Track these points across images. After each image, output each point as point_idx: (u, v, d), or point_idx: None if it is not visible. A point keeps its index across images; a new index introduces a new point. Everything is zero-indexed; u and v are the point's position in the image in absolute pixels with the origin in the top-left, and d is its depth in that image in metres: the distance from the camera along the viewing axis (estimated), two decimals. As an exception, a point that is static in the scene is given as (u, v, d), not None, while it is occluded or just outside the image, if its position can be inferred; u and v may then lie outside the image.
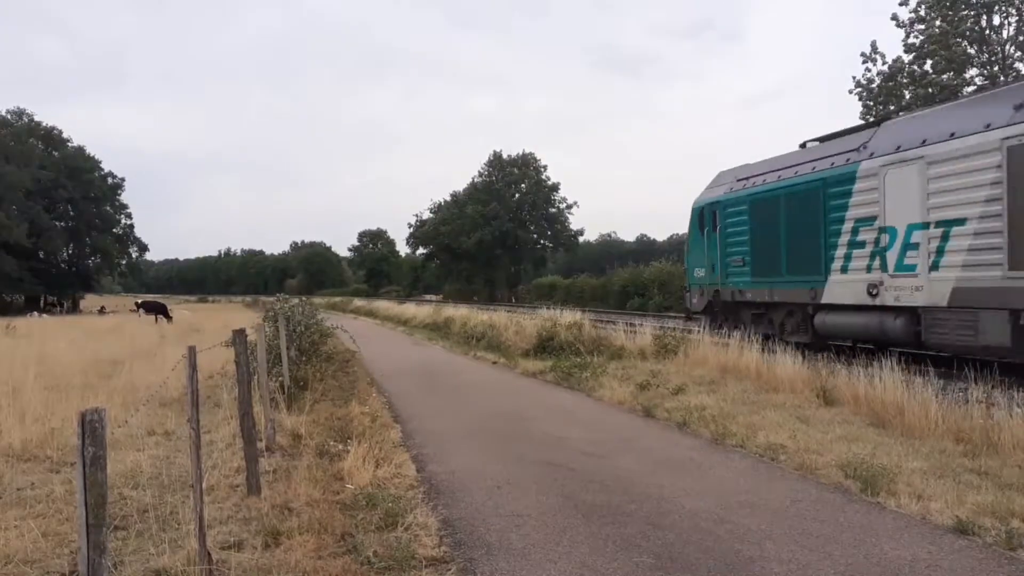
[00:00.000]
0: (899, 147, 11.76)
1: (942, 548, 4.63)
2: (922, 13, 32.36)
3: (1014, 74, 30.81)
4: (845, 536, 4.89)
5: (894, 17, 33.12)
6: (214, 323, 29.92)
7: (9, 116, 72.47)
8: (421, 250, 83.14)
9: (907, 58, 32.74)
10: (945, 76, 31.10)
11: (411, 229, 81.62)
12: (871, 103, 33.73)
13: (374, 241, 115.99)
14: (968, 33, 31.04)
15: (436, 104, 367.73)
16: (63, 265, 76.69)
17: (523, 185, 74.67)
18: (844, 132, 14.34)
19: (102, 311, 61.04)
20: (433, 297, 71.92)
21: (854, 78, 34.53)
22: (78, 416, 2.67)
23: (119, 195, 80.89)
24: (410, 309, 37.95)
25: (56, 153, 74.64)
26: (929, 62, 31.70)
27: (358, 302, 60.79)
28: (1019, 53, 31.12)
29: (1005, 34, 31.52)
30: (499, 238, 71.53)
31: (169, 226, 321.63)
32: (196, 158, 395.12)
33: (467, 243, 71.59)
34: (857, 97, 34.35)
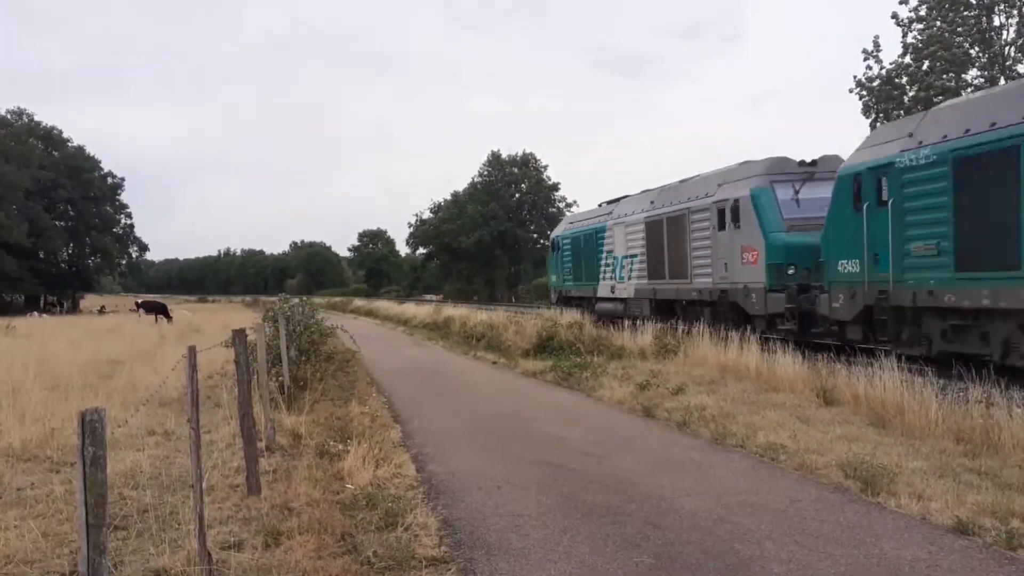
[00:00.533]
0: (617, 215, 22.39)
1: (942, 548, 4.62)
2: (922, 12, 32.36)
3: (1015, 75, 30.84)
4: (845, 536, 4.89)
5: (894, 16, 33.13)
6: (214, 323, 29.92)
7: (9, 116, 72.53)
8: (421, 250, 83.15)
9: (907, 59, 32.75)
10: (945, 76, 31.09)
11: (411, 229, 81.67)
12: (871, 103, 33.74)
13: (374, 241, 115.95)
14: (968, 33, 31.02)
15: (436, 104, 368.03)
16: (63, 265, 76.69)
17: (523, 185, 74.66)
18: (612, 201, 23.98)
19: (102, 311, 61.04)
20: (433, 297, 71.82)
21: (855, 77, 34.54)
22: (78, 416, 2.67)
23: (119, 195, 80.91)
24: (410, 309, 37.94)
25: (56, 153, 74.63)
26: (926, 63, 31.68)
27: (358, 302, 60.77)
28: (1020, 55, 31.12)
29: (1006, 35, 31.53)
30: (499, 238, 71.50)
31: (169, 226, 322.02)
32: (196, 158, 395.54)
33: (467, 243, 71.56)
34: (857, 96, 34.37)
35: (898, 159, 11.46)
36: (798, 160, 15.89)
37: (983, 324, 10.41)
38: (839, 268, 12.94)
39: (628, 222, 21.27)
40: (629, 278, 21.24)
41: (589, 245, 24.19)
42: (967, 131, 10.31)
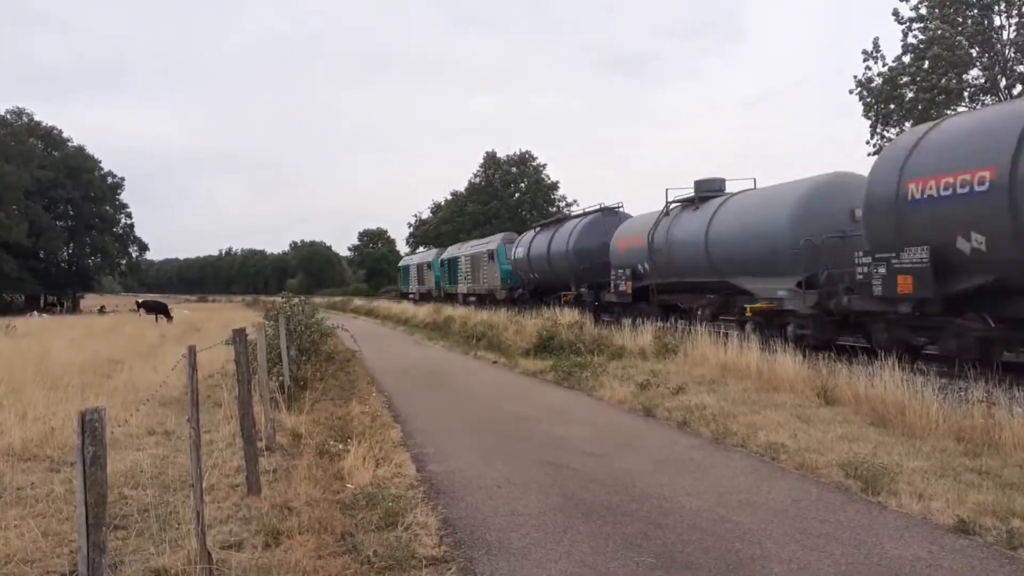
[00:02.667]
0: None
1: (943, 548, 4.62)
2: (923, 12, 32.31)
3: (1015, 76, 30.81)
4: (846, 535, 4.89)
5: (895, 13, 33.07)
6: (214, 322, 29.93)
7: (9, 116, 72.50)
8: (421, 249, 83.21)
9: (907, 59, 32.70)
10: (945, 77, 31.06)
11: (411, 228, 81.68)
12: (871, 103, 33.70)
13: (374, 240, 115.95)
14: (968, 34, 30.99)
15: (436, 104, 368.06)
16: (63, 265, 76.64)
17: (522, 184, 74.68)
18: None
19: (102, 311, 61.01)
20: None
21: (855, 77, 34.50)
22: (78, 415, 2.67)
23: (119, 194, 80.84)
24: (410, 308, 37.95)
25: (56, 153, 74.55)
26: (927, 63, 31.64)
27: (358, 301, 60.71)
28: (1020, 55, 31.07)
29: (1006, 36, 31.49)
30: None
31: (169, 226, 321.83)
32: (196, 158, 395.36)
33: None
34: (858, 97, 34.33)
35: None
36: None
37: None
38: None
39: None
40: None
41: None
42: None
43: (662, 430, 8.65)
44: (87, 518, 2.67)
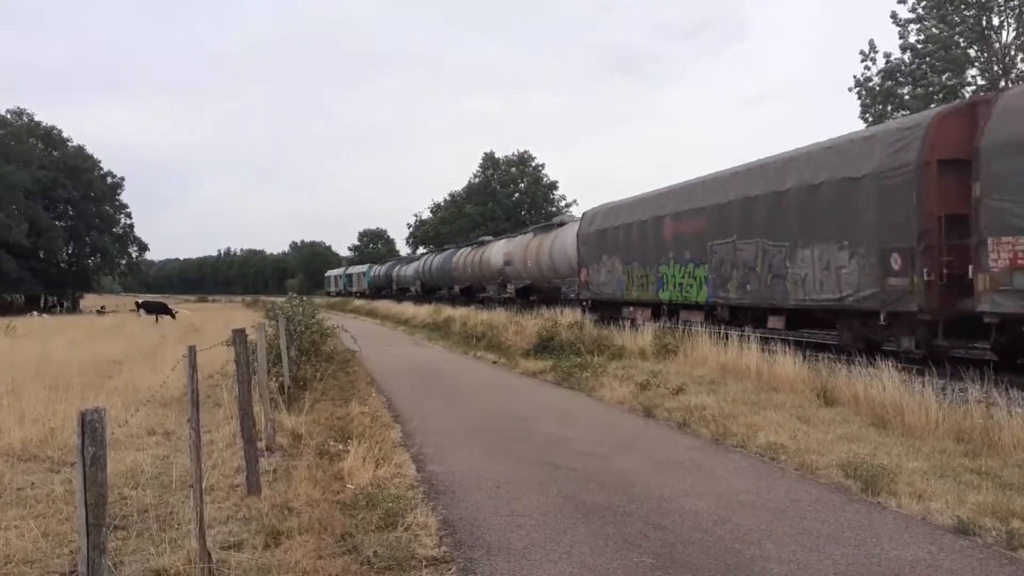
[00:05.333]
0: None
1: (943, 548, 4.62)
2: (921, 11, 32.32)
3: (1015, 74, 30.81)
4: (846, 536, 4.89)
5: (893, 15, 33.08)
6: (214, 323, 29.92)
7: (9, 116, 72.49)
8: (421, 249, 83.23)
9: (905, 57, 32.71)
10: (944, 76, 31.06)
11: (410, 228, 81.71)
12: (870, 102, 33.71)
13: (374, 240, 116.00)
14: (966, 34, 30.98)
15: (437, 103, 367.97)
16: (63, 265, 76.62)
17: (521, 184, 74.68)
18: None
19: (102, 311, 60.96)
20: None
21: (854, 77, 34.52)
22: (78, 416, 2.67)
23: (119, 194, 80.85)
24: (410, 309, 37.92)
25: (56, 153, 74.58)
26: (926, 62, 31.65)
27: (358, 301, 60.73)
28: (1020, 55, 31.07)
29: (1004, 35, 31.49)
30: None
31: (169, 226, 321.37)
32: (196, 158, 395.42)
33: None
34: (857, 96, 34.34)
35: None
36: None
37: None
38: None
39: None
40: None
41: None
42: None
43: (662, 431, 8.65)
44: (87, 518, 2.68)
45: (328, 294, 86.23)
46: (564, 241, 27.27)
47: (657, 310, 19.65)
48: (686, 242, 17.98)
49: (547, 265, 29.13)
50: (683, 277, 18.14)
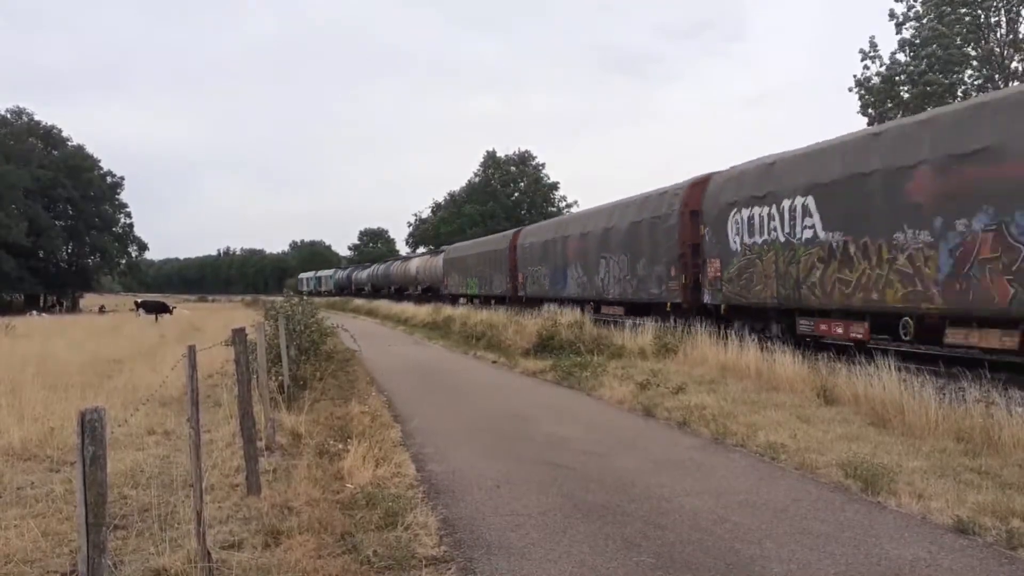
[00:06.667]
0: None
1: (943, 547, 4.62)
2: (918, 9, 32.32)
3: (1010, 73, 30.81)
4: (845, 535, 4.89)
5: (891, 14, 33.09)
6: (214, 322, 29.92)
7: (9, 115, 72.48)
8: (421, 249, 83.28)
9: (903, 57, 32.71)
10: (942, 75, 31.07)
11: (410, 228, 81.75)
12: (868, 101, 33.72)
13: (374, 240, 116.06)
14: (962, 33, 30.97)
15: (437, 103, 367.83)
16: (63, 264, 76.63)
17: (521, 183, 74.70)
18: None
19: (102, 310, 61.00)
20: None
21: (854, 76, 34.52)
22: (78, 415, 2.66)
23: (119, 194, 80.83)
24: (410, 308, 37.93)
25: (55, 152, 74.56)
26: (924, 62, 31.64)
27: (358, 301, 60.74)
28: (1017, 54, 31.07)
29: (1000, 33, 31.48)
30: (497, 237, 71.69)
31: (169, 225, 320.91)
32: (196, 158, 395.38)
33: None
34: (857, 96, 34.36)
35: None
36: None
37: None
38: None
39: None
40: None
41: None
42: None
43: (662, 430, 8.65)
44: (87, 518, 2.67)
45: (300, 293, 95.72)
46: (438, 262, 47.75)
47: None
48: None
49: (436, 275, 48.35)
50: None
